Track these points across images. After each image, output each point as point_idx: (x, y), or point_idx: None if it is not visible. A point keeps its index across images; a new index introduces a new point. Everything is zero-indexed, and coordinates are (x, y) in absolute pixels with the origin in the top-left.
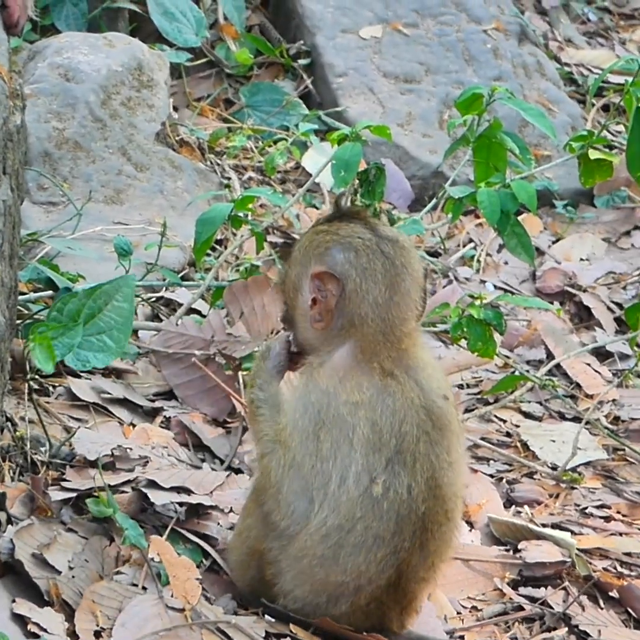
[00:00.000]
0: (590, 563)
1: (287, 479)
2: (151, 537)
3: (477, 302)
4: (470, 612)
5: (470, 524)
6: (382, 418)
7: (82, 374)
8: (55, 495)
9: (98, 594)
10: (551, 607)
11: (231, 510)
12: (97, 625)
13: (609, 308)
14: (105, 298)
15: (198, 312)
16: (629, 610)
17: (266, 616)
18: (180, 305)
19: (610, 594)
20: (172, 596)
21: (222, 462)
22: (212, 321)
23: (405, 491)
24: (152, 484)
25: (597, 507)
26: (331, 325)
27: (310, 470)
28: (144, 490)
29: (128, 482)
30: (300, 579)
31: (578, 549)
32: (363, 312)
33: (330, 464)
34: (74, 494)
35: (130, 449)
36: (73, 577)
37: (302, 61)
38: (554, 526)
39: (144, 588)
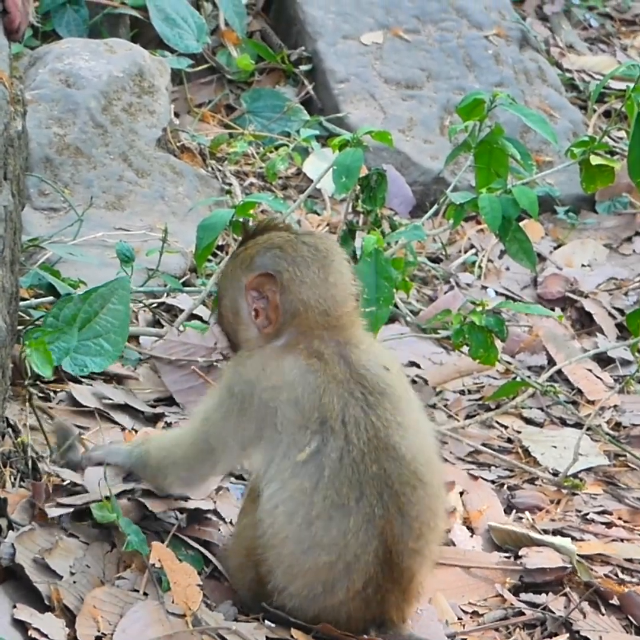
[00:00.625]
0: (592, 569)
1: (190, 444)
2: (153, 543)
3: (479, 309)
4: (471, 617)
5: (471, 530)
6: (303, 395)
7: (83, 380)
8: (54, 511)
9: (99, 599)
10: (552, 613)
11: (231, 522)
12: (98, 631)
13: (610, 314)
14: (100, 301)
15: (199, 318)
16: (630, 617)
17: (266, 621)
18: (182, 311)
19: (611, 601)
20: (173, 602)
21: None
22: (214, 328)
23: (342, 454)
24: (149, 493)
25: (599, 513)
26: (279, 321)
27: (221, 441)
28: (142, 499)
29: (125, 491)
30: (291, 572)
31: (579, 555)
32: (305, 297)
33: (254, 450)
34: (78, 503)
35: None
36: (74, 582)
37: (304, 67)
38: (555, 532)
39: (145, 594)
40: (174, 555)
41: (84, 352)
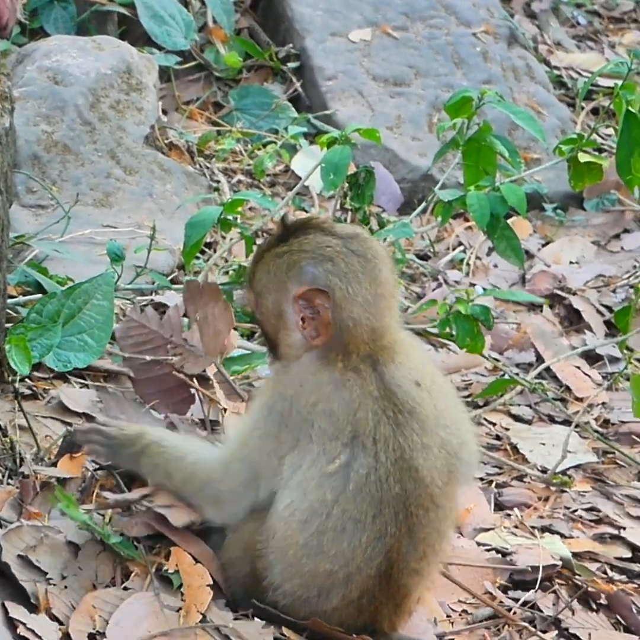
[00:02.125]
0: (580, 565)
1: (231, 470)
2: (173, 549)
3: (465, 298)
4: (460, 615)
5: (459, 529)
6: (338, 409)
7: (72, 377)
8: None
9: (96, 597)
10: (541, 611)
11: None
12: (94, 629)
13: (598, 311)
14: (84, 297)
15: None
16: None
17: (256, 618)
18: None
19: (600, 601)
20: (180, 609)
21: None
22: (172, 318)
23: (371, 471)
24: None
25: (587, 510)
26: (329, 336)
27: (264, 465)
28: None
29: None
30: (289, 572)
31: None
32: (356, 314)
33: (285, 458)
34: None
35: None
36: (65, 587)
37: (292, 64)
38: (544, 529)
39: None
40: (190, 557)
41: (68, 348)
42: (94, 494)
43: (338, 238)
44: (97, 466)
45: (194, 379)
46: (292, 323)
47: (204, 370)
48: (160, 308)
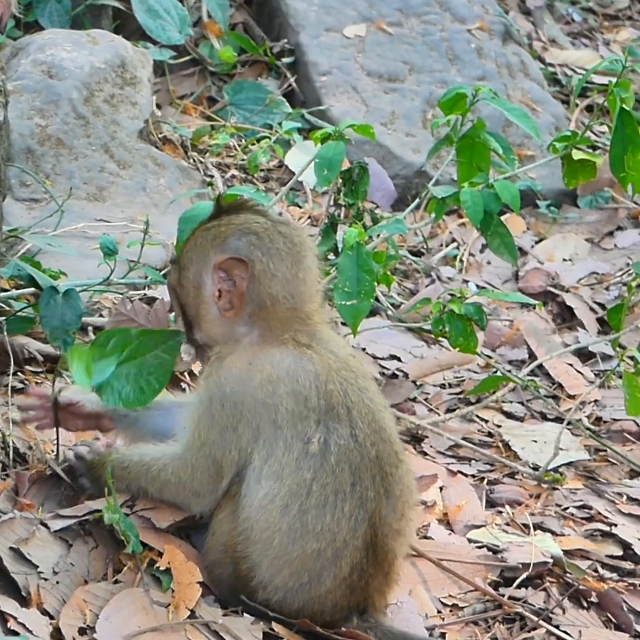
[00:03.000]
0: (572, 564)
1: (197, 471)
2: (165, 546)
3: (459, 297)
4: (450, 610)
5: (451, 526)
6: (305, 385)
7: (66, 371)
8: (55, 524)
9: (87, 592)
10: (532, 607)
11: None
12: (84, 623)
13: (591, 308)
14: (152, 344)
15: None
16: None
17: (246, 615)
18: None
19: (591, 599)
20: (169, 605)
21: None
22: (158, 313)
23: (350, 440)
24: None
25: (579, 507)
26: (243, 310)
27: (226, 457)
28: None
29: None
30: (277, 565)
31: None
32: (274, 291)
33: (249, 450)
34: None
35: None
36: (57, 583)
37: (286, 59)
38: (535, 527)
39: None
40: (182, 554)
41: (121, 384)
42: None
43: (268, 220)
44: None
45: (185, 373)
46: (208, 295)
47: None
48: (153, 302)
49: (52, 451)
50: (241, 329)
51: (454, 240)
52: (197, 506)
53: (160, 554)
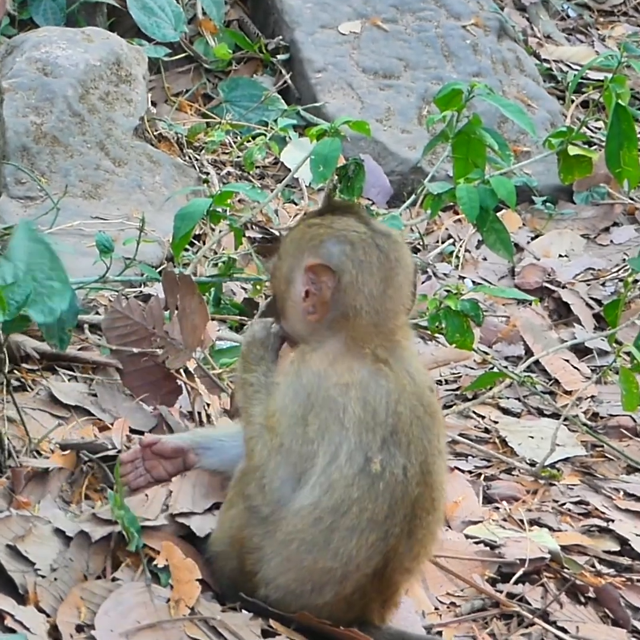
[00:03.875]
0: (569, 559)
1: (272, 464)
2: (163, 543)
3: (455, 293)
4: (448, 608)
5: (447, 522)
6: (375, 398)
7: (62, 369)
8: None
9: (85, 589)
10: (529, 604)
11: None
12: (80, 620)
13: (587, 304)
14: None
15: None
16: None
17: (244, 611)
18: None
19: (588, 594)
20: (169, 600)
21: None
22: (153, 310)
23: (401, 472)
24: None
25: (576, 503)
26: (325, 317)
27: (297, 456)
28: None
29: None
30: (285, 566)
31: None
32: (358, 305)
33: (316, 445)
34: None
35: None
36: (55, 579)
37: (281, 56)
38: (532, 522)
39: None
40: (180, 552)
41: (41, 300)
42: (84, 486)
43: (369, 229)
44: (87, 459)
45: (181, 370)
46: (297, 293)
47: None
48: (149, 299)
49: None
50: (324, 333)
51: (450, 236)
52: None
53: (159, 552)
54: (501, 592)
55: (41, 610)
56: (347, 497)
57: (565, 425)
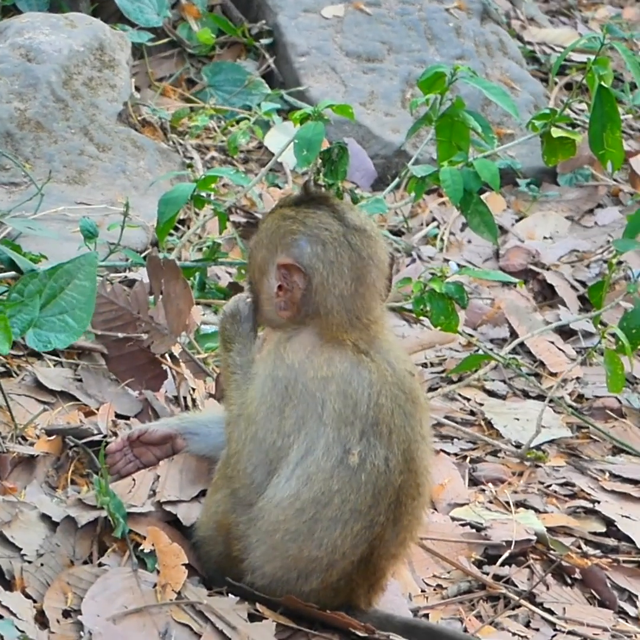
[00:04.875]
0: (555, 541)
1: (245, 451)
2: (148, 528)
3: (439, 276)
4: (434, 590)
5: (433, 504)
6: (357, 390)
7: (46, 354)
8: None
9: (74, 575)
10: (516, 586)
11: None
12: (67, 605)
13: (572, 286)
14: (66, 277)
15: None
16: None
17: (231, 595)
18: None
19: (574, 575)
20: (156, 585)
21: None
22: (138, 295)
23: (383, 462)
24: None
25: (561, 485)
26: (296, 314)
27: (271, 445)
28: None
29: None
30: (271, 554)
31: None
32: (329, 305)
33: (291, 439)
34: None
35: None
36: (42, 565)
37: (264, 41)
38: (518, 504)
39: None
40: (166, 537)
41: (48, 328)
42: (70, 471)
43: (342, 226)
44: (73, 444)
45: (167, 355)
46: (270, 285)
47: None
48: (134, 285)
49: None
50: (296, 324)
51: (434, 219)
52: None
53: (145, 537)
54: (487, 574)
55: (28, 596)
56: (327, 489)
57: (551, 406)
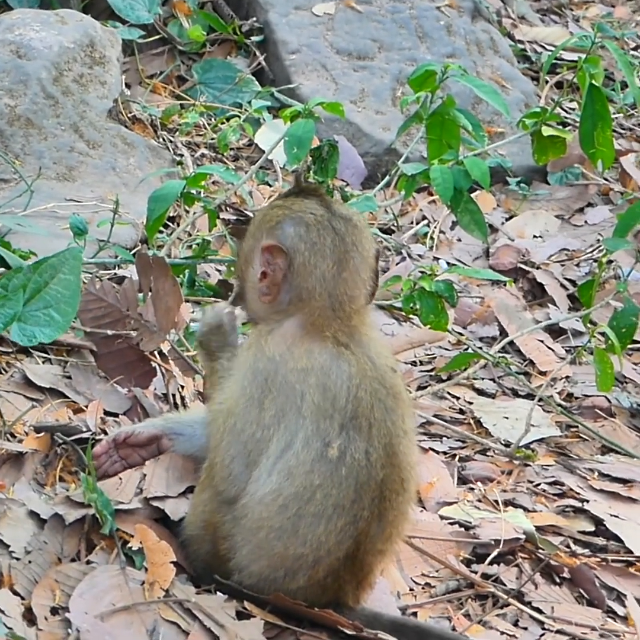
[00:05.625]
0: (544, 540)
1: (224, 442)
2: (136, 526)
3: (429, 274)
4: (423, 588)
5: (422, 503)
6: (336, 383)
7: (35, 351)
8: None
9: (62, 573)
10: (504, 584)
11: None
12: (55, 602)
13: (562, 285)
14: (51, 272)
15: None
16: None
17: (219, 593)
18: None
19: (563, 574)
20: (144, 583)
21: None
22: (127, 292)
23: (363, 456)
24: None
25: (550, 484)
26: (278, 298)
27: (251, 437)
28: None
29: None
30: (257, 553)
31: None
32: (310, 286)
33: (271, 431)
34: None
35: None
36: (29, 562)
37: (255, 38)
38: (507, 503)
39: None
40: (154, 534)
41: (33, 323)
42: (58, 469)
43: (328, 212)
44: (61, 441)
45: (156, 352)
46: (254, 274)
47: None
48: (123, 282)
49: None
50: (282, 314)
51: (424, 217)
52: (224, 483)
53: (133, 535)
54: (476, 572)
55: (16, 593)
56: (308, 483)
57: (540, 405)
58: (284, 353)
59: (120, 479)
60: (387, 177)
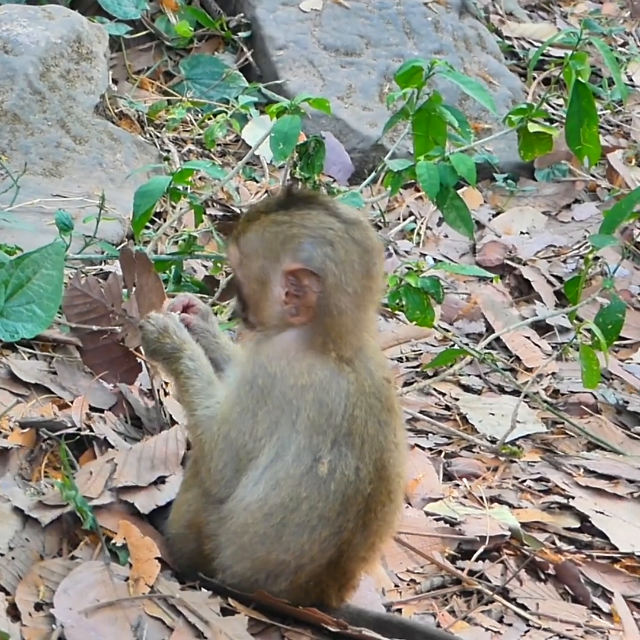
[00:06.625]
0: (529, 536)
1: (217, 449)
2: (120, 522)
3: (415, 270)
4: (408, 585)
5: (408, 499)
6: (334, 400)
7: (21, 347)
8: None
9: (46, 568)
10: (489, 581)
11: None
12: (39, 598)
13: (548, 281)
14: (33, 267)
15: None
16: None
17: (203, 590)
18: None
19: (548, 571)
20: (128, 579)
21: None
22: (111, 287)
23: (353, 473)
24: None
25: (536, 480)
26: (310, 318)
27: (242, 446)
28: None
29: None
30: (240, 555)
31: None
32: (343, 304)
33: (263, 442)
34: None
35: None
36: (12, 558)
37: (242, 34)
38: (492, 500)
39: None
40: (138, 530)
41: (16, 318)
42: (43, 464)
43: (341, 222)
44: (46, 437)
45: (141, 348)
46: (274, 295)
47: None
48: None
49: (9, 427)
50: (296, 328)
51: (411, 213)
52: (216, 486)
53: (115, 532)
54: (461, 569)
55: (0, 588)
56: (295, 495)
57: (526, 402)
58: (285, 369)
59: (91, 472)
60: (374, 173)
